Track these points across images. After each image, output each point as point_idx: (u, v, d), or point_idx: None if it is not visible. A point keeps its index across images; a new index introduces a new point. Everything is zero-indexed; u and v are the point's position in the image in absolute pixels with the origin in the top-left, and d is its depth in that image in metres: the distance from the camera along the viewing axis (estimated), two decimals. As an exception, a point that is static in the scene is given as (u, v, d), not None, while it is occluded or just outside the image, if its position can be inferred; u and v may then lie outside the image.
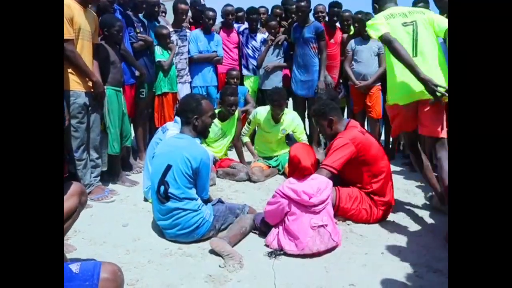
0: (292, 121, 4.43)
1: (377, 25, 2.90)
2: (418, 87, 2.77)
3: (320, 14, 5.39)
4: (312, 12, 5.33)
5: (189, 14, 5.45)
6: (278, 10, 5.70)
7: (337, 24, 5.42)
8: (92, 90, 3.34)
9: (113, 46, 3.72)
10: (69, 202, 2.03)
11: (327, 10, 5.41)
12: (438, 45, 2.91)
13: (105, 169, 3.75)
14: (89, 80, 3.30)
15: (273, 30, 5.23)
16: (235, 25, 5.56)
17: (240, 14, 5.71)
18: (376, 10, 3.18)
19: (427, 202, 3.51)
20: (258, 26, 5.59)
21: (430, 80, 2.67)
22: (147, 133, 4.69)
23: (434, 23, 2.91)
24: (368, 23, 3.02)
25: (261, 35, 5.43)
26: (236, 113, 4.39)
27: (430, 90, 2.67)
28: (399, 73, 2.88)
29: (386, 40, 2.84)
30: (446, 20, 2.88)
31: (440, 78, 2.75)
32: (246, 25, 5.58)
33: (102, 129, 3.63)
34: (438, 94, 2.66)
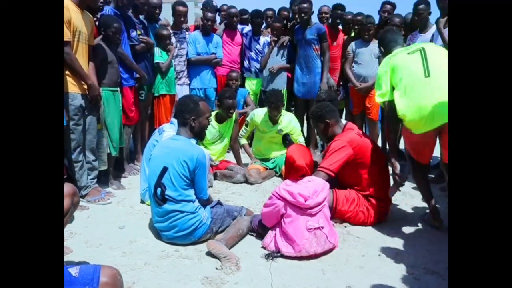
0: (289, 122, 4.43)
1: (381, 83, 2.83)
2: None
3: (324, 15, 5.38)
4: (316, 13, 5.33)
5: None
6: (285, 13, 5.66)
7: (339, 27, 5.42)
8: (87, 92, 3.34)
9: (111, 47, 3.72)
10: None
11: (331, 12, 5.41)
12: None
13: (105, 168, 3.75)
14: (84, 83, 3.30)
15: (275, 32, 5.21)
16: (239, 27, 5.55)
17: (245, 16, 5.70)
18: (383, 54, 3.18)
19: (425, 205, 3.51)
20: (262, 28, 5.56)
21: None
22: (145, 134, 4.69)
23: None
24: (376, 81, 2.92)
25: (264, 38, 5.42)
26: (234, 115, 4.38)
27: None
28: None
29: (386, 109, 2.87)
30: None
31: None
32: (250, 27, 5.57)
33: (100, 128, 3.62)
34: None
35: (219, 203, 2.92)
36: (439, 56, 2.71)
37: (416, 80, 2.63)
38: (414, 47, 2.86)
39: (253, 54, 5.40)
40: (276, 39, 5.20)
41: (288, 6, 5.84)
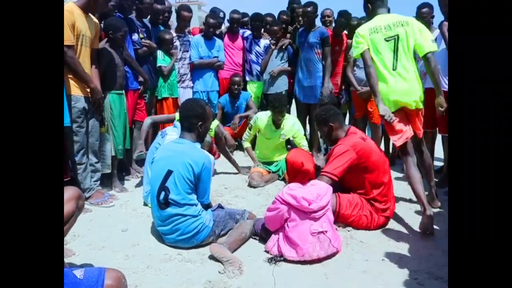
0: (292, 126, 4.42)
1: (358, 43, 3.08)
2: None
3: (327, 18, 5.38)
4: (319, 16, 5.34)
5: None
6: (284, 17, 5.66)
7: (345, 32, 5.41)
8: (90, 95, 3.36)
9: (117, 50, 3.73)
10: (66, 206, 2.03)
11: (334, 17, 5.40)
12: (413, 59, 3.08)
13: (109, 171, 3.76)
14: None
15: (273, 35, 5.23)
16: (240, 30, 5.57)
17: (245, 19, 5.71)
18: (369, 11, 3.25)
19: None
20: (262, 31, 5.58)
21: (386, 111, 2.97)
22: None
23: (416, 38, 3.01)
24: (353, 40, 3.16)
25: (264, 41, 5.44)
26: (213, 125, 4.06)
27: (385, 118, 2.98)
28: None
29: (364, 60, 3.09)
30: (429, 35, 3.04)
31: (417, 91, 3.04)
32: (250, 30, 5.59)
33: (105, 131, 3.63)
34: (387, 119, 2.95)
35: (220, 206, 2.92)
36: (409, 52, 3.03)
37: (385, 70, 3.03)
38: (392, 32, 3.03)
39: (253, 57, 5.42)
40: (275, 42, 5.22)
41: (286, 10, 5.85)
